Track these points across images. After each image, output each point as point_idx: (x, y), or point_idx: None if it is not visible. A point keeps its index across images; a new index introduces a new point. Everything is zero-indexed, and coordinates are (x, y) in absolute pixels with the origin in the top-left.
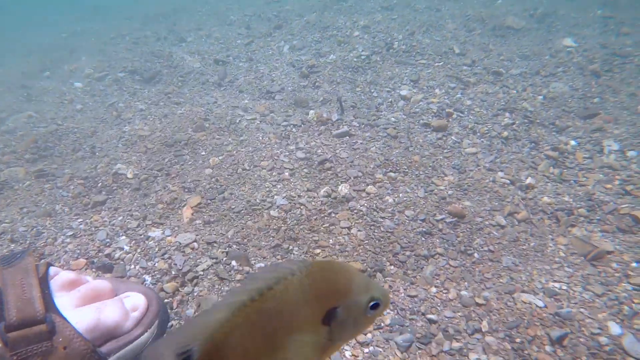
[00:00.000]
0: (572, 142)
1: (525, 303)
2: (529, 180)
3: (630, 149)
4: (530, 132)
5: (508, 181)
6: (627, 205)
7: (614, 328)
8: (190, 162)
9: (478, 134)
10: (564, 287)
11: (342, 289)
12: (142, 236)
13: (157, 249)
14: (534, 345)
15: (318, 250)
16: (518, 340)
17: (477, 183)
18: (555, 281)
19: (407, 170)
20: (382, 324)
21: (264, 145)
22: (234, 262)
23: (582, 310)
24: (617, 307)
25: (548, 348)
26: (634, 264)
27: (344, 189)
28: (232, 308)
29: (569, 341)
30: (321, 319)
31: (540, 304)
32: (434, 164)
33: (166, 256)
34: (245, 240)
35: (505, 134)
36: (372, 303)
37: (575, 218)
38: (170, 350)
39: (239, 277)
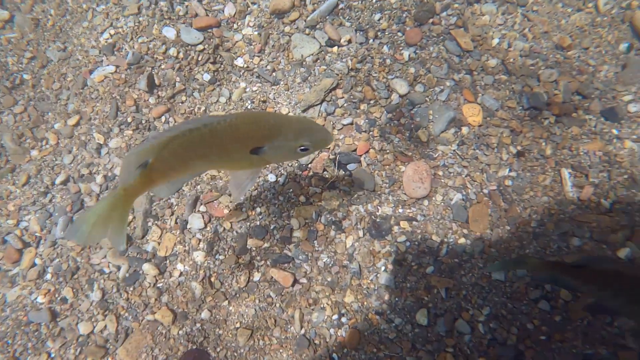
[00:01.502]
0: None
1: (100, 81)
2: None
3: None
4: None
5: None
6: None
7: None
8: None
9: None
10: (112, 32)
11: (266, 134)
12: None
13: None
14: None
15: None
16: (129, 120)
17: None
18: (101, 33)
19: None
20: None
21: None
22: None
23: (140, 39)
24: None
25: (151, 100)
26: None
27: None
28: (168, 137)
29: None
30: (249, 151)
31: (110, 68)
32: None
33: None
34: None
35: None
36: (301, 147)
37: None
38: (133, 161)
39: None
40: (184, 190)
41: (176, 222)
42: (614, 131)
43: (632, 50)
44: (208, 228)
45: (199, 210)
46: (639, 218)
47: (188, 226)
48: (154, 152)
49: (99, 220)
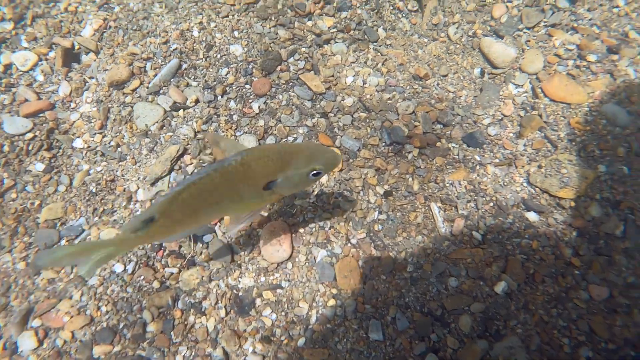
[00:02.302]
0: None
1: None
2: None
3: None
4: None
5: None
6: None
7: None
8: None
9: None
10: None
11: (278, 167)
12: None
13: None
14: None
15: None
16: None
17: None
18: None
19: None
20: None
21: None
22: None
23: None
24: None
25: None
26: None
27: None
28: (178, 190)
29: None
30: (262, 188)
31: None
32: None
33: None
34: None
35: None
36: (313, 172)
37: None
38: (139, 218)
39: None
40: (12, 306)
41: (4, 348)
42: (477, 157)
43: (485, 75)
44: (45, 345)
45: (31, 327)
46: (511, 246)
47: (18, 350)
48: (161, 209)
49: (79, 251)
